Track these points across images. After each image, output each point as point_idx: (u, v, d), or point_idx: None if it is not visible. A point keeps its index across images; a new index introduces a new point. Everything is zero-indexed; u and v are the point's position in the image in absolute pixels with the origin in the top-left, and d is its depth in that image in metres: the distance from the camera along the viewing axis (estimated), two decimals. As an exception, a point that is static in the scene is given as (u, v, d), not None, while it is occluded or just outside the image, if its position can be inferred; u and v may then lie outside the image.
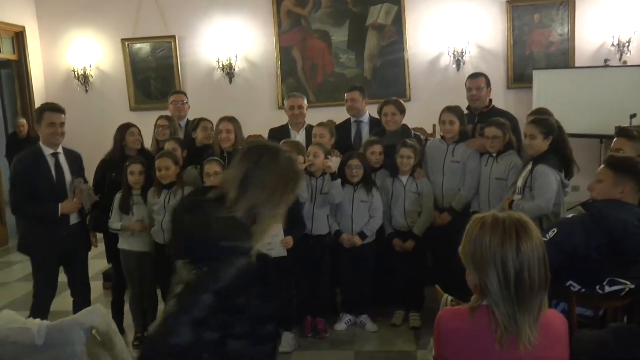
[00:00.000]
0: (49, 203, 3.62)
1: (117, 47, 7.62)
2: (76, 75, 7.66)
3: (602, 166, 2.67)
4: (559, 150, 3.51)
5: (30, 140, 6.94)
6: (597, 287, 2.48)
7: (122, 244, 3.95)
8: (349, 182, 4.03)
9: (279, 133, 4.67)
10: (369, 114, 4.78)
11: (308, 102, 4.99)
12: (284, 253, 3.63)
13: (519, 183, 3.58)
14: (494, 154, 3.91)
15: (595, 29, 6.91)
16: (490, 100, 4.55)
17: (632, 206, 2.53)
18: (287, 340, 3.85)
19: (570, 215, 2.82)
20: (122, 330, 3.96)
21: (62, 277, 3.88)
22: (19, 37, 7.49)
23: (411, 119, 4.53)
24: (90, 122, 7.28)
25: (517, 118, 4.36)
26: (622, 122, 5.30)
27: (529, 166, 3.56)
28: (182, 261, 1.82)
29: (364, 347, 3.88)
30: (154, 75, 7.65)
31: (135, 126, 4.23)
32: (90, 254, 4.03)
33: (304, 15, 7.35)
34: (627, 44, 6.77)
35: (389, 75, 7.29)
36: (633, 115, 5.70)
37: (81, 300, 3.82)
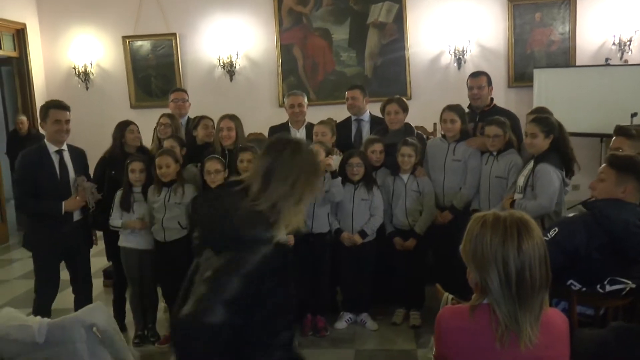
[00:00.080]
0: (53, 201, 3.63)
1: (118, 45, 7.62)
2: (77, 73, 7.66)
3: (604, 165, 2.66)
4: (559, 149, 3.50)
5: (31, 138, 6.96)
6: (598, 286, 2.48)
7: (123, 242, 3.95)
8: (350, 181, 4.03)
9: (279, 131, 4.65)
10: (370, 113, 4.78)
11: (309, 100, 4.99)
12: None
13: (521, 182, 3.58)
14: (495, 153, 3.92)
15: (596, 28, 6.90)
16: (492, 99, 4.55)
17: (633, 206, 2.52)
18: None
19: (571, 215, 2.82)
20: (123, 328, 3.96)
21: (64, 275, 3.89)
22: (20, 35, 7.49)
23: (412, 118, 4.53)
24: (91, 120, 7.27)
25: (518, 117, 4.36)
26: (623, 121, 5.28)
27: (530, 165, 3.56)
28: (207, 249, 1.89)
29: (364, 346, 3.88)
30: (154, 73, 7.65)
31: (134, 124, 4.23)
32: (90, 251, 4.03)
33: (305, 13, 7.34)
34: (628, 43, 6.76)
35: (390, 74, 7.28)
36: (634, 114, 5.70)
37: (83, 297, 3.83)
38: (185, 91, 5.32)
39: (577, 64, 6.92)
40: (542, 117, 3.57)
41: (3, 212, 7.30)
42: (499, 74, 6.81)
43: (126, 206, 3.88)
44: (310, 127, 4.57)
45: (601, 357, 2.08)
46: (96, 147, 4.24)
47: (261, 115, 6.71)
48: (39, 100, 7.50)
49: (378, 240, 4.11)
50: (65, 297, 4.06)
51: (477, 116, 4.42)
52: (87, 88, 7.71)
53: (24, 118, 7.46)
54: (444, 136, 4.23)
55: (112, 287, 4.43)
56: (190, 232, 3.84)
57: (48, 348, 2.69)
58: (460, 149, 4.10)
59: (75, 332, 2.72)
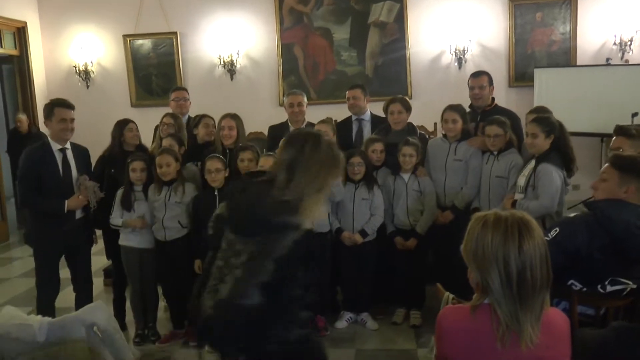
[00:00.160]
0: (55, 199, 3.64)
1: (119, 43, 7.62)
2: (78, 71, 7.65)
3: (606, 165, 2.65)
4: (560, 149, 3.50)
5: (32, 136, 6.95)
6: (599, 286, 2.47)
7: (123, 241, 3.95)
8: (351, 180, 4.03)
9: (278, 130, 4.65)
10: (371, 112, 4.78)
11: (309, 99, 4.98)
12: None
13: (522, 182, 3.57)
14: (495, 152, 3.92)
15: (597, 28, 6.90)
16: (493, 99, 4.55)
17: (635, 206, 2.51)
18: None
19: (572, 215, 2.81)
20: (123, 327, 3.97)
21: (66, 273, 3.90)
22: (20, 33, 7.49)
23: (412, 117, 4.52)
24: (92, 119, 7.24)
25: (519, 117, 4.36)
26: (623, 120, 5.27)
27: (531, 165, 3.56)
28: (235, 235, 2.06)
29: (365, 345, 3.88)
30: (155, 71, 7.65)
31: (133, 122, 4.23)
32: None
33: (306, 12, 7.34)
34: (629, 42, 6.76)
35: (391, 73, 7.28)
36: (635, 114, 5.70)
37: (84, 296, 3.84)
38: (186, 90, 5.32)
39: (578, 63, 6.91)
40: (542, 117, 3.56)
41: (3, 210, 7.30)
42: (499, 74, 6.80)
43: (127, 205, 3.88)
44: (310, 127, 4.55)
45: (602, 357, 2.08)
46: (96, 146, 4.24)
47: (262, 115, 6.70)
48: (40, 98, 7.51)
49: (379, 240, 4.10)
50: (66, 295, 4.06)
51: (478, 116, 4.42)
52: (87, 86, 7.72)
53: (22, 117, 7.44)
54: (445, 136, 4.23)
55: (112, 286, 4.43)
56: (190, 231, 3.85)
57: (48, 347, 2.69)
58: (461, 148, 4.10)
59: (75, 331, 2.73)
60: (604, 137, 6.15)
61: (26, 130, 7.34)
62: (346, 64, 7.37)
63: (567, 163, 3.54)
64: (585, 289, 2.51)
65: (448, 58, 7.17)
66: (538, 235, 1.59)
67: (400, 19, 7.18)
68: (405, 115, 4.38)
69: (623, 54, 6.81)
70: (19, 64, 7.56)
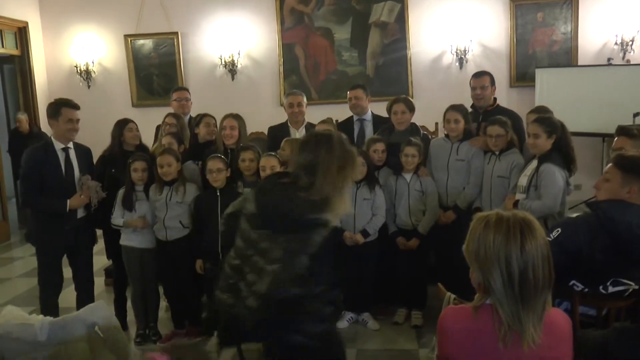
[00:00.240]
0: (58, 198, 3.64)
1: (120, 43, 7.62)
2: (79, 71, 7.66)
3: (610, 165, 2.64)
4: (561, 149, 3.50)
5: (33, 136, 6.95)
6: (601, 287, 2.47)
7: (124, 241, 3.95)
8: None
9: (278, 131, 4.66)
10: (372, 112, 4.78)
11: (310, 99, 4.99)
12: None
13: (524, 182, 3.56)
14: (497, 152, 3.92)
15: (598, 28, 6.89)
16: (495, 99, 4.55)
17: (638, 207, 2.50)
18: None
19: (574, 215, 2.81)
20: (124, 327, 3.97)
21: (67, 273, 3.90)
22: (21, 33, 7.49)
23: (414, 117, 4.52)
24: (93, 118, 7.19)
25: (520, 117, 4.36)
26: (625, 120, 5.27)
27: (533, 165, 3.55)
28: (261, 233, 2.19)
29: (366, 346, 3.88)
30: (156, 71, 7.65)
31: (133, 122, 4.23)
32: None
33: (307, 12, 7.34)
34: (630, 42, 6.76)
35: (392, 73, 7.28)
36: (636, 114, 5.69)
37: (85, 296, 3.84)
38: (187, 90, 5.33)
39: (579, 63, 6.91)
40: (544, 118, 3.56)
41: (5, 210, 7.30)
42: (500, 74, 6.79)
43: (128, 205, 3.88)
44: (309, 127, 4.55)
45: (604, 357, 2.08)
46: (97, 146, 4.24)
47: (263, 115, 6.70)
48: (41, 98, 7.52)
49: (380, 240, 4.10)
50: (67, 295, 4.06)
51: (480, 116, 4.42)
52: (88, 86, 7.72)
53: (22, 117, 7.42)
54: (447, 136, 4.22)
55: (112, 286, 4.43)
56: (192, 231, 3.84)
57: (50, 347, 2.68)
58: (463, 148, 4.09)
59: (77, 331, 2.72)
60: (605, 137, 6.15)
61: (27, 130, 7.34)
62: (347, 64, 7.37)
63: (567, 163, 3.54)
64: (587, 290, 2.50)
65: (449, 58, 7.17)
66: (540, 235, 1.59)
67: (401, 19, 7.18)
68: (409, 115, 4.38)
69: (625, 54, 6.80)
70: (20, 63, 7.56)
